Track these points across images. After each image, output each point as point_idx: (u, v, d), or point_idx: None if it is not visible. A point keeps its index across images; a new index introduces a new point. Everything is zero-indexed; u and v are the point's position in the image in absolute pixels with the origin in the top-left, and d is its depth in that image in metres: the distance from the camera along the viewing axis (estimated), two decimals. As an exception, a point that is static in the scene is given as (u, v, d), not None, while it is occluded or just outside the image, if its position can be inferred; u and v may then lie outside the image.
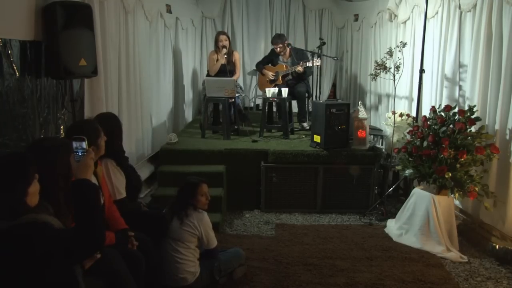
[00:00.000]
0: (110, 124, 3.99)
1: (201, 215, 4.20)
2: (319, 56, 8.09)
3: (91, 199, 2.50)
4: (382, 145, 7.17)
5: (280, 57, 8.38)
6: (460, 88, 5.80)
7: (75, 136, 2.68)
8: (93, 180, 3.23)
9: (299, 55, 8.26)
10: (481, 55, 5.25)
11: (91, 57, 4.28)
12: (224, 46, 8.04)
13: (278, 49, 8.23)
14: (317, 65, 7.93)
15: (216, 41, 8.22)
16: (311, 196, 6.49)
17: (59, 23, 3.90)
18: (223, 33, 8.40)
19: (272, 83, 8.26)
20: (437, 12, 6.16)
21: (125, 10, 5.58)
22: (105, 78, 4.96)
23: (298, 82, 8.20)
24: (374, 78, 6.44)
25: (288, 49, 8.31)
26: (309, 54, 8.10)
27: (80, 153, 2.63)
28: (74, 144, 2.64)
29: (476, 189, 4.94)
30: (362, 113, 6.50)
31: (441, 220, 5.12)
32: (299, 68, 7.86)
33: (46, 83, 4.08)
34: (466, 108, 5.19)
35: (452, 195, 5.14)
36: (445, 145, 5.02)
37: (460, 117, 5.11)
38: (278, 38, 8.35)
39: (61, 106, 4.29)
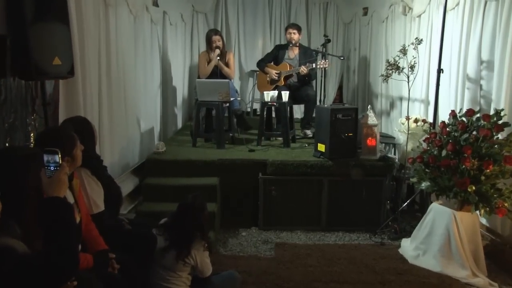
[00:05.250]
0: (80, 129, 3.89)
1: (200, 244, 4.17)
2: (324, 55, 8.05)
3: (64, 221, 2.45)
4: (394, 154, 7.14)
5: (286, 53, 8.36)
6: (485, 89, 5.72)
7: (46, 148, 2.59)
8: (69, 195, 3.15)
9: (308, 55, 8.24)
10: (509, 51, 5.16)
11: (66, 55, 4.18)
12: (217, 47, 7.99)
13: (291, 35, 8.26)
14: (325, 67, 7.90)
15: (209, 41, 8.16)
16: (315, 212, 6.43)
17: (28, 15, 3.80)
18: (216, 32, 8.33)
19: (273, 83, 8.21)
20: (458, 4, 6.07)
21: (105, 2, 5.51)
22: (82, 79, 4.89)
23: (304, 85, 8.15)
24: (385, 79, 6.40)
25: (298, 44, 8.34)
26: (318, 55, 8.10)
27: (52, 168, 2.55)
28: (46, 158, 2.56)
29: (506, 204, 4.84)
30: (372, 119, 6.45)
31: (465, 240, 5.03)
32: (303, 69, 7.80)
33: (13, 84, 3.98)
34: (492, 112, 5.11)
35: (477, 212, 5.05)
36: (467, 154, 4.93)
37: (485, 122, 5.02)
38: (295, 25, 8.46)
39: (31, 110, 4.21)
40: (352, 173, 6.28)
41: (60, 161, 2.58)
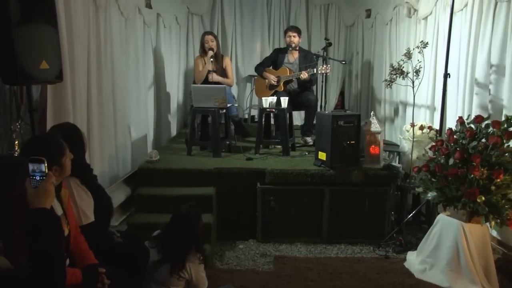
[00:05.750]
0: (69, 136, 3.85)
1: (195, 257, 4.15)
2: (325, 59, 8.02)
3: (51, 233, 2.40)
4: (399, 163, 7.09)
5: (286, 57, 8.34)
6: (495, 95, 5.68)
7: (32, 157, 2.55)
8: (57, 206, 3.11)
9: (308, 59, 8.21)
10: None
11: (54, 59, 4.17)
12: (210, 48, 7.99)
13: (291, 38, 8.21)
14: (326, 73, 7.87)
15: (202, 43, 8.18)
16: (315, 224, 6.38)
17: (14, 17, 3.78)
18: (209, 33, 8.41)
19: (272, 89, 8.19)
20: (466, 5, 6.06)
21: (95, 3, 5.49)
22: (72, 84, 4.88)
23: (304, 91, 8.12)
24: (389, 84, 6.36)
25: (297, 48, 8.31)
26: (319, 59, 8.08)
27: (38, 177, 2.53)
28: (31, 167, 2.54)
29: (519, 216, 4.81)
30: (375, 126, 6.41)
31: (474, 253, 4.97)
32: (303, 75, 7.77)
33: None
34: (503, 118, 5.08)
35: (487, 224, 5.00)
36: (476, 163, 4.90)
37: (495, 129, 4.99)
38: (294, 28, 8.38)
39: (16, 117, 4.17)
40: (353, 176, 6.25)
41: (46, 170, 2.55)
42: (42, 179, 2.53)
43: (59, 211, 3.17)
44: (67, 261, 3.21)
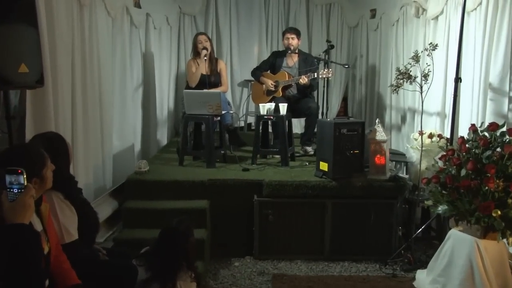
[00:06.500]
0: (52, 146, 3.81)
1: (187, 275, 4.14)
2: (326, 63, 7.99)
3: (29, 251, 2.36)
4: (406, 174, 7.05)
5: (285, 61, 8.33)
6: (510, 100, 5.65)
7: (9, 167, 2.51)
8: (36, 222, 3.06)
9: (308, 62, 8.19)
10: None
11: (35, 62, 4.14)
12: (204, 48, 7.97)
13: (290, 40, 8.22)
14: (328, 77, 7.84)
15: (195, 44, 8.19)
16: (317, 239, 6.35)
17: (-12, 16, 3.75)
18: (202, 33, 8.44)
19: (270, 94, 8.17)
20: (480, 3, 6.01)
21: (80, 2, 5.47)
22: (54, 89, 4.85)
23: (304, 97, 8.10)
24: (395, 89, 6.31)
25: (297, 50, 8.32)
26: (320, 63, 8.06)
27: (15, 190, 2.50)
28: (8, 178, 2.50)
29: (538, 232, 4.74)
30: (381, 134, 6.39)
31: (490, 272, 4.89)
32: (303, 79, 7.73)
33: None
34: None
35: (504, 240, 4.94)
36: (490, 174, 4.82)
37: (511, 138, 4.94)
38: (293, 29, 8.41)
39: (-8, 124, 4.14)
40: (354, 179, 6.21)
41: (25, 182, 2.50)
42: (20, 191, 2.49)
43: (38, 227, 3.12)
44: (47, 282, 3.15)
